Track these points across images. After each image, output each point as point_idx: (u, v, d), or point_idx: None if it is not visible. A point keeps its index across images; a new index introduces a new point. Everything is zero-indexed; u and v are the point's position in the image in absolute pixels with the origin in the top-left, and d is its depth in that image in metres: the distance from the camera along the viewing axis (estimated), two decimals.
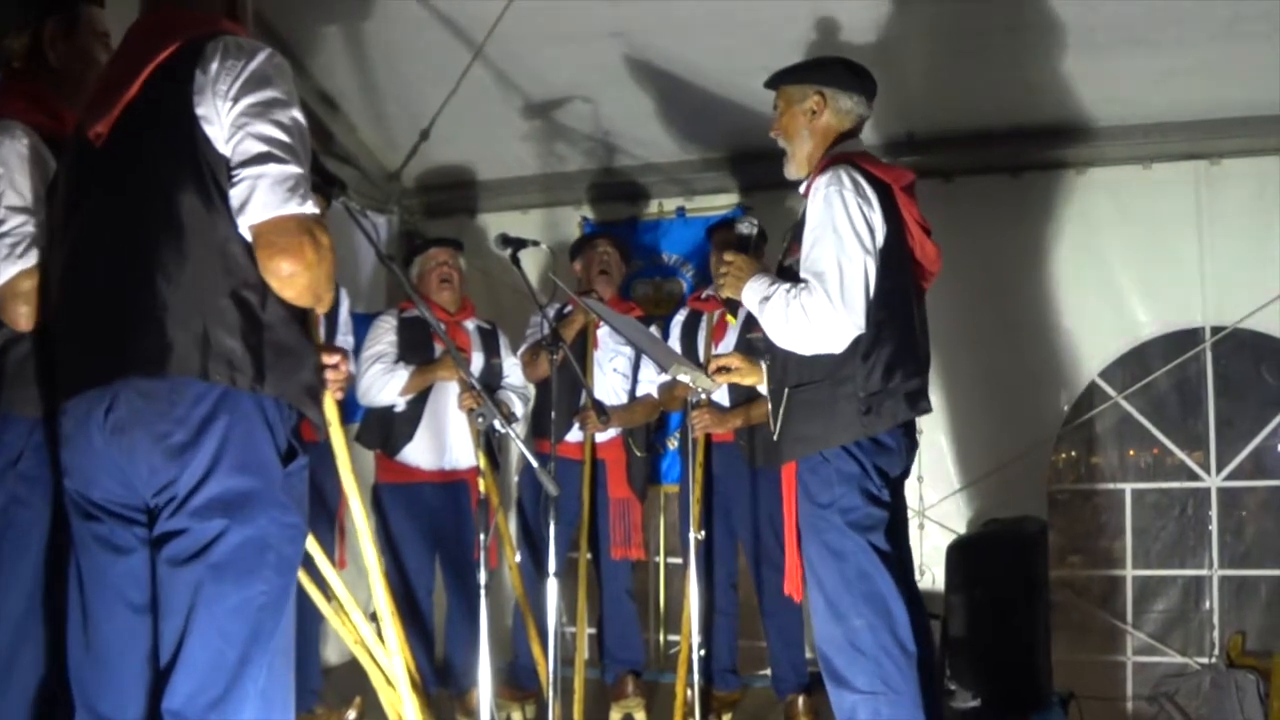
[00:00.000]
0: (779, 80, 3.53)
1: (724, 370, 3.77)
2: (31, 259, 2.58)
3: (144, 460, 2.22)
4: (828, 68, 3.52)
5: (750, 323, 4.74)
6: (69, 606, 2.37)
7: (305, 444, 2.47)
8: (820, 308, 3.10)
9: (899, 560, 3.25)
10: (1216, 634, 5.16)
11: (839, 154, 3.35)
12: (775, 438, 3.32)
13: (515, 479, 5.61)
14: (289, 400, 2.33)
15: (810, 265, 3.18)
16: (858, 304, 3.13)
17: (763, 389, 3.57)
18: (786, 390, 3.27)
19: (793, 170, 3.51)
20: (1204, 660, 5.14)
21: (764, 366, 3.50)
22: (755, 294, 3.32)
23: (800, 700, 4.82)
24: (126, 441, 2.22)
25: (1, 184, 2.62)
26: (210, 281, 2.23)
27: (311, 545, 3.00)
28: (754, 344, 4.69)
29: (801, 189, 3.43)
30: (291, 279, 2.25)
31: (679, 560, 5.52)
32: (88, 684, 2.32)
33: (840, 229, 3.15)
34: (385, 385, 4.81)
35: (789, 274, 3.30)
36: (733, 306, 3.57)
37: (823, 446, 3.17)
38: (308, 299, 2.33)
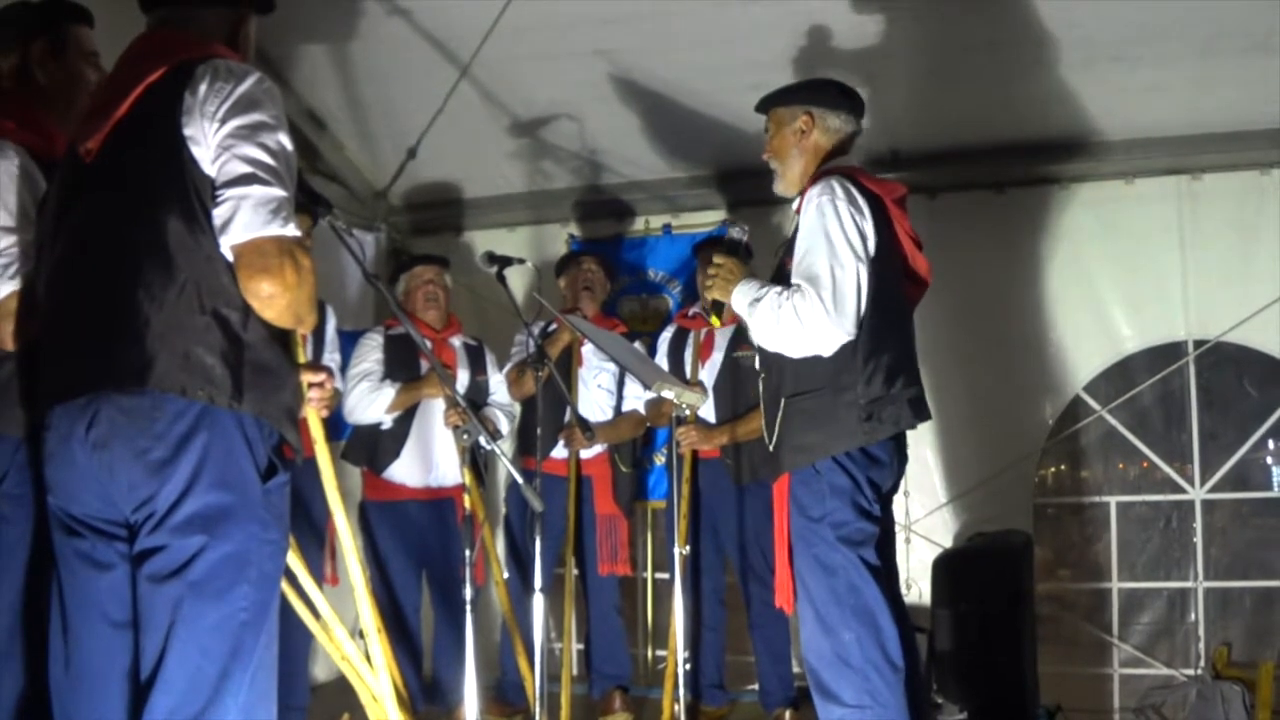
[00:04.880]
0: (769, 104, 3.57)
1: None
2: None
3: (124, 476, 2.22)
4: (815, 88, 3.57)
5: (736, 341, 4.78)
6: (50, 622, 2.37)
7: (291, 461, 2.48)
8: (812, 311, 3.11)
9: (887, 575, 3.27)
10: (1202, 646, 5.17)
11: (830, 168, 3.38)
12: (772, 448, 3.32)
13: (502, 495, 5.61)
14: (267, 419, 2.34)
15: (803, 270, 3.19)
16: (850, 309, 3.14)
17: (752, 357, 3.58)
18: (783, 400, 3.27)
19: (782, 188, 3.53)
20: (1190, 672, 5.15)
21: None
22: (745, 296, 3.33)
23: (787, 715, 4.84)
24: (107, 457, 2.23)
25: None
26: (192, 299, 2.24)
27: (296, 562, 3.02)
28: (740, 362, 4.74)
29: (794, 205, 3.45)
30: (271, 300, 2.26)
31: (666, 575, 5.53)
32: (67, 699, 2.32)
33: (833, 236, 3.16)
34: (372, 403, 4.82)
35: (783, 283, 3.30)
36: (717, 309, 3.56)
37: (823, 455, 3.17)
38: (288, 320, 2.34)
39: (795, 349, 3.20)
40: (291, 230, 2.29)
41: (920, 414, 3.30)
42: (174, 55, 2.36)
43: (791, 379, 3.26)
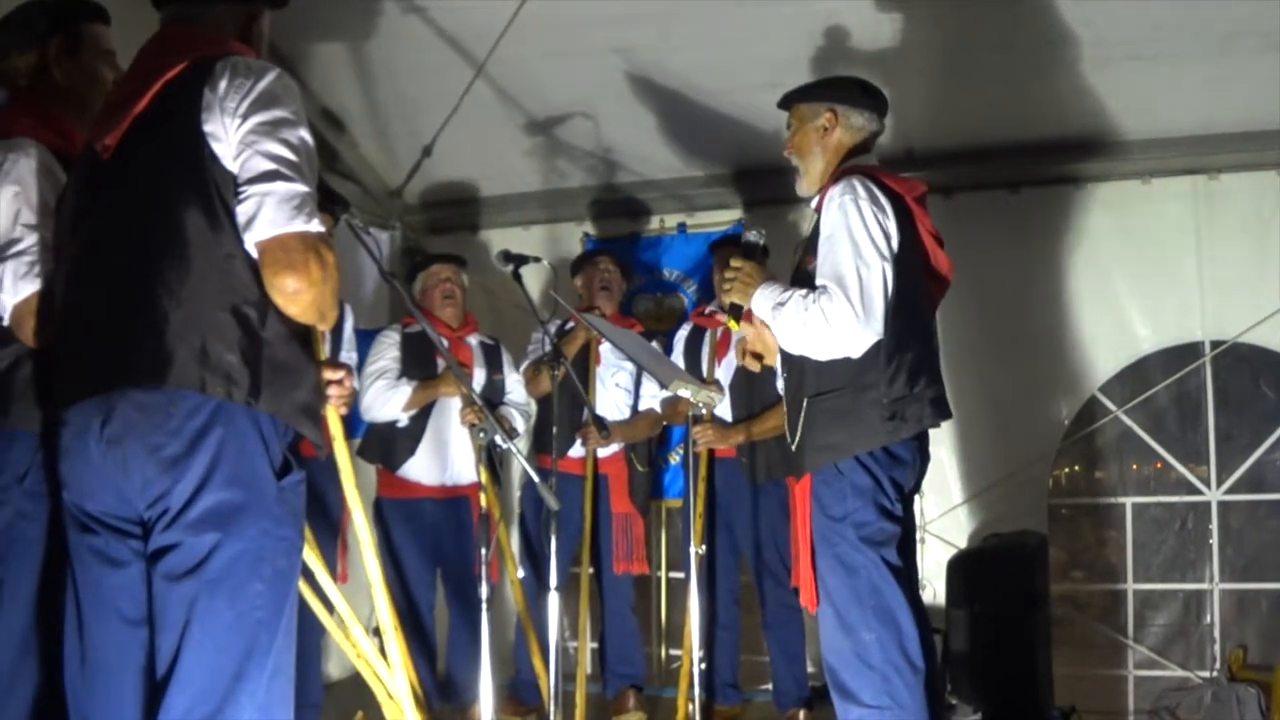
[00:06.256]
0: (792, 100, 3.56)
1: (756, 355, 3.73)
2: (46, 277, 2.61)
3: (138, 472, 2.22)
4: (839, 85, 3.56)
5: None
6: (65, 619, 2.37)
7: (311, 458, 2.48)
8: (841, 313, 3.09)
9: (908, 575, 3.26)
10: (1217, 648, 5.16)
11: (851, 167, 3.37)
12: (795, 448, 3.31)
13: (517, 494, 5.62)
14: (283, 418, 2.34)
15: (828, 271, 3.17)
16: (877, 310, 3.12)
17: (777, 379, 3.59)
18: (805, 400, 3.26)
19: (804, 187, 3.51)
20: (1205, 674, 5.14)
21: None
22: (767, 300, 3.30)
23: (801, 714, 4.84)
24: (121, 453, 2.22)
25: (18, 201, 2.64)
26: (211, 296, 2.25)
27: (313, 559, 3.02)
28: None
29: (813, 204, 3.44)
30: (296, 295, 2.26)
31: (681, 575, 5.53)
32: (82, 697, 2.33)
33: (856, 235, 3.15)
34: (388, 401, 4.82)
35: (804, 283, 3.29)
36: (735, 313, 3.56)
37: (846, 454, 3.16)
38: (312, 316, 2.34)
39: (824, 352, 3.18)
40: (315, 225, 2.29)
41: (942, 413, 3.29)
42: (191, 52, 2.37)
43: (814, 378, 3.24)
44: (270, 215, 2.24)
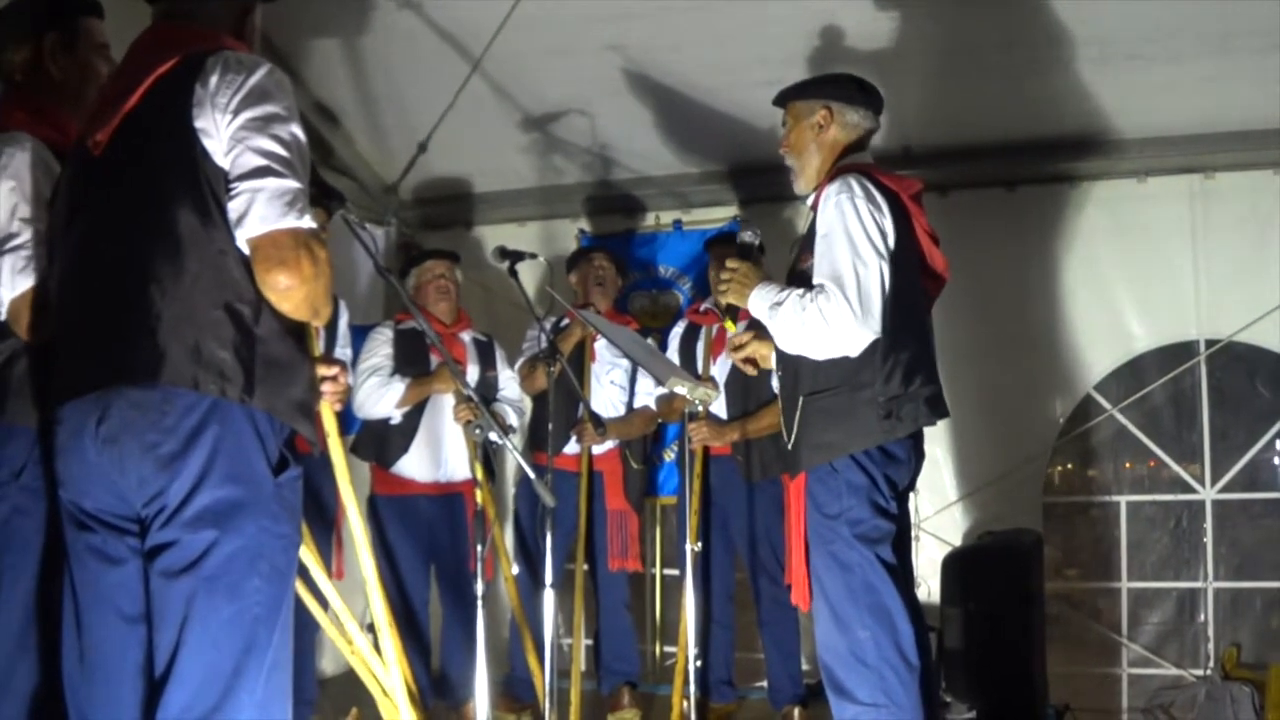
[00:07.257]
0: (787, 97, 3.55)
1: (749, 360, 3.71)
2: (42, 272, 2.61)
3: (134, 470, 2.22)
4: (834, 83, 3.55)
5: None
6: (63, 616, 2.37)
7: (303, 455, 2.47)
8: (839, 312, 3.08)
9: (903, 573, 3.26)
10: (1211, 646, 5.17)
11: (847, 164, 3.36)
12: (791, 446, 3.30)
13: (512, 491, 5.61)
14: (278, 415, 2.33)
15: (825, 270, 3.16)
16: (875, 308, 3.12)
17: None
18: (801, 398, 3.25)
19: (801, 185, 3.51)
20: (1199, 672, 5.15)
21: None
22: (764, 300, 3.30)
23: (796, 712, 4.82)
24: (117, 452, 2.22)
25: (14, 196, 2.63)
26: (204, 293, 2.24)
27: (307, 556, 3.01)
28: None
29: (809, 201, 3.43)
30: (288, 292, 2.25)
31: (676, 572, 5.52)
32: (81, 694, 2.32)
33: (853, 234, 3.14)
34: (381, 398, 4.81)
35: (800, 281, 3.29)
36: (731, 314, 3.55)
37: (842, 453, 3.15)
38: (305, 312, 2.33)
39: (822, 351, 3.17)
40: (307, 222, 2.28)
41: (938, 411, 3.29)
42: (183, 47, 2.35)
43: (809, 377, 3.24)
44: (261, 211, 2.23)
